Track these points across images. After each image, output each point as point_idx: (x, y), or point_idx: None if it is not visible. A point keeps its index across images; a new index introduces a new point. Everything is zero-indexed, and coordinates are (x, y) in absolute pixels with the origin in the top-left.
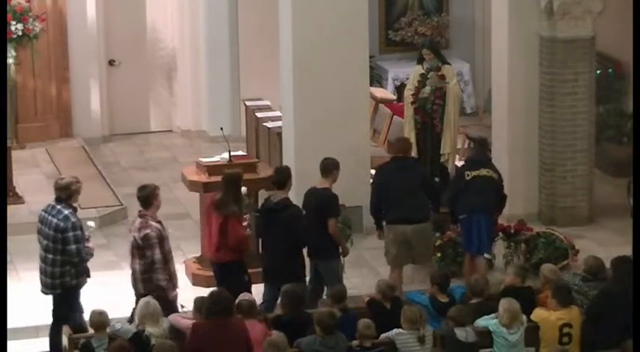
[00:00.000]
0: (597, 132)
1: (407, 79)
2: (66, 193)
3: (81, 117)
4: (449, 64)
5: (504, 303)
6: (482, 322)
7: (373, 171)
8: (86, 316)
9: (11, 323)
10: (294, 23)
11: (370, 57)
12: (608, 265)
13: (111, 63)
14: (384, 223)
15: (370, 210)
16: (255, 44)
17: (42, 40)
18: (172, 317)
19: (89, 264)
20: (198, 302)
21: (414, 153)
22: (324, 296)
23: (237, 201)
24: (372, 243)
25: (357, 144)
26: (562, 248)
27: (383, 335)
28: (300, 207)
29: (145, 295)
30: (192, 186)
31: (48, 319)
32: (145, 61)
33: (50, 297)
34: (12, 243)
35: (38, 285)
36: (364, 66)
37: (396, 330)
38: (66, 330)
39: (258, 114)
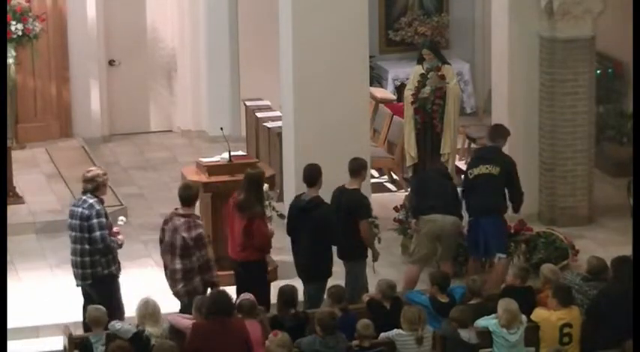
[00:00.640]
0: (597, 132)
1: (407, 79)
2: (92, 185)
3: (81, 117)
4: (449, 64)
5: (503, 304)
6: (482, 322)
7: (373, 171)
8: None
9: (11, 323)
10: (294, 23)
11: (370, 57)
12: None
13: (111, 63)
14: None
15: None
16: (255, 44)
17: (42, 40)
18: (172, 317)
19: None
20: (198, 302)
21: (413, 154)
22: (325, 297)
23: (260, 201)
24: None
25: (357, 144)
26: (562, 248)
27: (382, 335)
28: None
29: (186, 295)
30: None
31: (48, 319)
32: (145, 61)
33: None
34: (12, 243)
35: (38, 285)
36: (364, 66)
37: (395, 330)
38: (65, 330)
39: (258, 114)
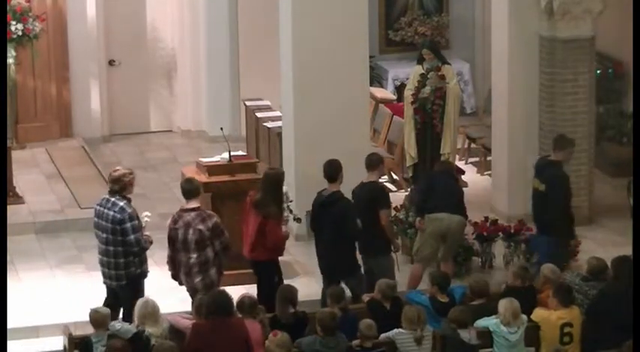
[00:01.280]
0: (597, 132)
1: (407, 79)
2: (119, 185)
3: (81, 117)
4: (449, 64)
5: (504, 303)
6: (483, 322)
7: None
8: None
9: (11, 323)
10: (294, 23)
11: (370, 57)
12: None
13: (111, 63)
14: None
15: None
16: (255, 44)
17: (42, 40)
18: (172, 317)
19: None
20: (198, 302)
21: (413, 154)
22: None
23: (278, 202)
24: None
25: (357, 144)
26: None
27: (383, 335)
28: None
29: (204, 288)
30: None
31: (48, 319)
32: (145, 61)
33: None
34: (12, 243)
35: (38, 285)
36: (364, 66)
37: (396, 330)
38: (65, 330)
39: (258, 114)
